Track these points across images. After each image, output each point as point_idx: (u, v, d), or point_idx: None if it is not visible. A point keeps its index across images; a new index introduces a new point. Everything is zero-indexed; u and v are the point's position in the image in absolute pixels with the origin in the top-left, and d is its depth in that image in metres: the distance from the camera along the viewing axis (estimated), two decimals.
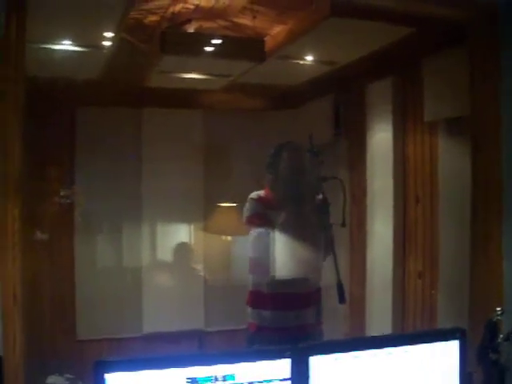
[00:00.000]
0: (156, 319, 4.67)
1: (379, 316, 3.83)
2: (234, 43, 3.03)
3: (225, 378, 1.35)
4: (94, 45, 3.01)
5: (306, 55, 3.53)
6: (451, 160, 3.20)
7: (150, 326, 4.66)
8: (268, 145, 4.72)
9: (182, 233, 5.02)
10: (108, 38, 2.89)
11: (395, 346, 1.47)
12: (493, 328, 1.99)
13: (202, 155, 4.86)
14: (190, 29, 3.21)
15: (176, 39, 2.89)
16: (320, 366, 1.42)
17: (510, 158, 2.04)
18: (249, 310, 3.10)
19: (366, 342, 1.48)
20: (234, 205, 4.75)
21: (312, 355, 1.41)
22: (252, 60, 3.23)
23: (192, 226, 5.01)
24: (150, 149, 4.65)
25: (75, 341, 4.48)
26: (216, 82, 4.06)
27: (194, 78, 3.82)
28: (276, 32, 3.39)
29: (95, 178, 4.47)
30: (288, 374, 1.40)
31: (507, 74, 2.05)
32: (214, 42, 2.94)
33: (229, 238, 5.01)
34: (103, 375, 1.29)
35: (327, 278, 2.95)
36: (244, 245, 4.74)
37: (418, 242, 3.57)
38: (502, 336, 1.99)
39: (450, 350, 1.53)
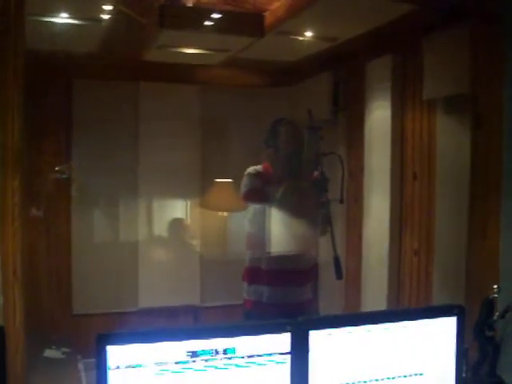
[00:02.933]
0: (152, 294, 4.69)
1: (374, 292, 3.86)
2: (233, 18, 3.00)
3: (225, 352, 1.36)
4: (92, 18, 2.98)
5: (306, 31, 3.50)
6: (449, 138, 3.20)
7: (145, 301, 4.69)
8: (266, 121, 4.70)
9: (178, 208, 5.03)
10: (106, 10, 2.85)
11: (394, 321, 1.48)
12: (489, 305, 2.02)
13: (200, 130, 4.85)
14: (189, 2, 3.18)
15: (175, 13, 2.86)
16: (320, 340, 1.43)
17: (511, 136, 2.04)
18: (245, 285, 3.12)
19: (365, 317, 1.50)
20: (231, 181, 4.75)
21: (312, 329, 1.42)
22: (251, 35, 3.21)
23: (189, 202, 5.01)
24: (147, 123, 4.63)
25: (71, 315, 4.51)
26: (214, 57, 4.02)
27: (192, 53, 3.78)
28: (275, 7, 3.35)
29: (92, 152, 4.45)
30: (288, 348, 1.41)
31: (510, 52, 2.03)
32: (214, 16, 2.91)
33: (225, 213, 5.02)
34: (105, 347, 1.29)
35: (324, 254, 2.97)
36: (240, 221, 4.77)
37: (414, 220, 3.58)
38: (497, 314, 2.02)
39: (448, 326, 1.54)
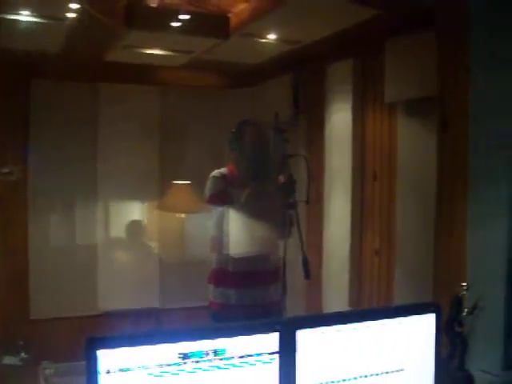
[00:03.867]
0: (112, 297, 4.64)
1: (336, 292, 3.92)
2: (200, 19, 3.00)
3: (216, 353, 1.37)
4: (55, 16, 2.91)
5: (270, 34, 3.52)
6: (410, 140, 3.28)
7: (105, 305, 4.63)
8: (226, 123, 4.74)
9: (137, 210, 5.00)
10: (72, 9, 2.80)
11: (376, 319, 1.52)
12: (458, 303, 2.08)
13: (159, 132, 4.83)
14: (153, 3, 3.16)
15: (143, 14, 2.84)
16: (306, 339, 1.45)
17: (476, 137, 2.12)
18: (211, 288, 3.11)
19: (350, 316, 1.52)
20: (189, 183, 4.74)
21: (299, 329, 1.44)
22: (217, 37, 3.21)
23: (147, 204, 4.98)
24: (107, 124, 4.59)
25: (29, 320, 4.41)
26: (177, 59, 4.01)
27: (156, 54, 3.76)
28: (240, 9, 3.36)
29: (50, 153, 4.37)
30: (276, 348, 1.43)
31: (476, 56, 2.11)
32: (181, 17, 2.90)
33: (183, 215, 5.00)
34: (95, 352, 1.28)
35: (290, 255, 2.99)
36: (198, 222, 4.78)
37: (375, 220, 3.66)
38: (466, 310, 2.09)
39: (426, 323, 1.59)
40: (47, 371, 2.48)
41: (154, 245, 4.99)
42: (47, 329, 4.33)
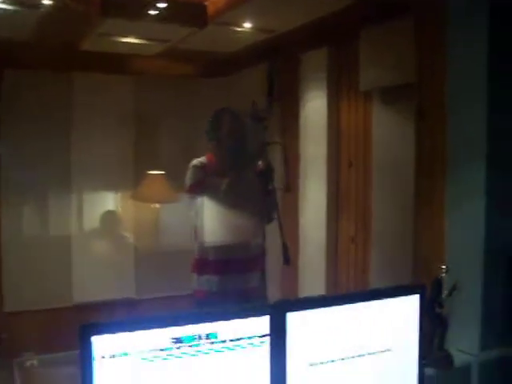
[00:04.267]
0: (86, 289, 4.61)
1: (312, 278, 3.96)
2: (177, 7, 2.98)
3: (208, 336, 1.38)
4: (29, 4, 2.86)
5: (245, 22, 3.52)
6: (385, 127, 3.33)
7: (80, 296, 4.60)
8: (200, 113, 4.73)
9: (111, 201, 4.97)
10: None
11: (364, 300, 1.56)
12: (438, 284, 2.14)
13: (133, 122, 4.80)
14: None
15: (119, 1, 2.81)
16: (296, 321, 1.48)
17: (454, 124, 2.17)
18: (195, 276, 3.13)
19: (338, 299, 1.56)
20: (163, 173, 4.74)
21: (289, 311, 1.47)
22: (194, 25, 3.20)
23: (122, 194, 4.95)
24: (80, 114, 4.54)
25: (3, 313, 4.35)
26: (153, 47, 3.98)
27: (131, 43, 3.73)
28: None
29: (23, 144, 4.31)
30: (267, 330, 1.45)
31: (453, 43, 2.15)
32: (159, 5, 2.88)
33: (157, 205, 5.00)
34: (90, 338, 1.29)
35: (269, 241, 3.02)
36: (173, 212, 4.78)
37: (350, 207, 3.70)
38: (445, 292, 2.14)
39: (411, 304, 1.64)
40: (29, 363, 2.46)
41: (128, 235, 4.97)
42: (21, 321, 4.28)
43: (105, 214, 4.88)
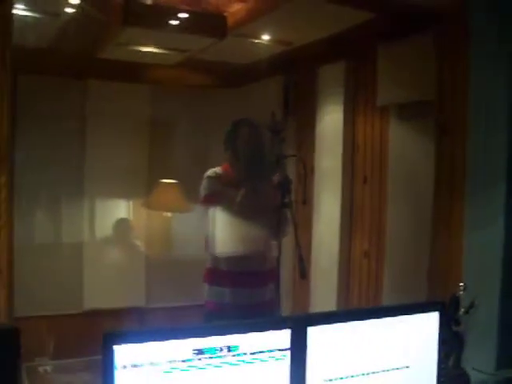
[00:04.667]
0: (97, 296, 4.61)
1: (324, 293, 3.94)
2: (197, 18, 3.00)
3: (229, 349, 1.38)
4: (54, 11, 2.89)
5: (264, 34, 3.54)
6: (401, 143, 3.33)
7: (90, 303, 4.60)
8: (214, 123, 4.75)
9: (124, 209, 4.97)
10: (71, 4, 2.77)
11: (384, 316, 1.55)
12: (456, 302, 2.12)
13: (148, 131, 4.81)
14: (149, 0, 3.15)
15: (140, 11, 2.83)
16: (317, 335, 1.47)
17: (475, 142, 2.17)
18: (206, 287, 3.11)
19: (359, 313, 1.55)
20: (176, 181, 4.74)
21: (310, 325, 1.46)
22: (214, 36, 3.22)
23: (134, 202, 4.96)
24: (95, 122, 4.55)
25: (13, 318, 4.34)
26: (171, 57, 4.00)
27: (150, 52, 3.75)
28: (235, 9, 3.37)
29: (37, 150, 4.33)
30: (288, 344, 1.44)
31: (476, 61, 2.15)
32: (180, 15, 2.90)
33: (169, 214, 5.00)
34: (112, 347, 1.28)
35: (283, 253, 3.01)
36: (185, 221, 4.79)
37: (364, 222, 3.69)
38: (463, 310, 2.13)
39: (430, 321, 1.63)
40: (42, 368, 2.45)
41: (140, 243, 4.97)
42: (32, 327, 4.27)
43: (117, 221, 4.88)
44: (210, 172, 3.09)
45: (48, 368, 2.47)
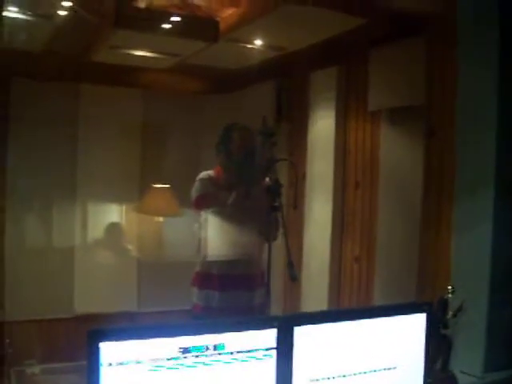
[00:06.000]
0: (88, 300, 4.59)
1: (315, 298, 3.94)
2: (190, 22, 3.01)
3: (215, 348, 1.38)
4: (46, 14, 2.89)
5: (256, 40, 3.55)
6: (392, 148, 3.34)
7: (82, 307, 4.58)
8: (206, 128, 4.76)
9: (116, 213, 4.96)
10: (64, 6, 2.78)
11: (371, 317, 1.56)
12: (444, 305, 2.13)
13: (140, 135, 4.82)
14: (142, 4, 3.16)
15: (132, 14, 2.84)
16: (303, 335, 1.48)
17: (463, 144, 2.18)
18: (195, 290, 3.11)
19: (345, 314, 1.56)
20: (168, 186, 4.75)
21: (297, 325, 1.47)
22: (206, 40, 3.22)
23: (126, 206, 4.95)
24: (87, 126, 4.55)
25: (4, 322, 4.33)
26: (163, 61, 4.00)
27: (142, 56, 3.75)
28: (227, 14, 3.39)
29: (29, 153, 4.32)
30: (274, 343, 1.45)
31: (464, 65, 2.17)
32: (172, 19, 2.91)
33: (161, 218, 5.00)
34: (98, 344, 1.28)
35: (274, 256, 3.01)
36: (177, 225, 4.78)
37: (355, 227, 3.70)
38: (451, 313, 2.14)
39: (417, 322, 1.63)
40: (30, 371, 2.45)
41: (131, 247, 4.97)
42: (23, 331, 4.26)
43: (109, 225, 4.88)
44: (203, 174, 3.11)
45: (35, 370, 2.46)
